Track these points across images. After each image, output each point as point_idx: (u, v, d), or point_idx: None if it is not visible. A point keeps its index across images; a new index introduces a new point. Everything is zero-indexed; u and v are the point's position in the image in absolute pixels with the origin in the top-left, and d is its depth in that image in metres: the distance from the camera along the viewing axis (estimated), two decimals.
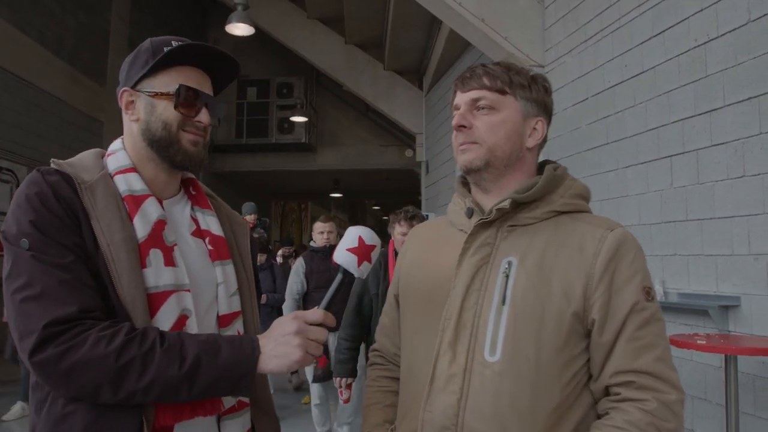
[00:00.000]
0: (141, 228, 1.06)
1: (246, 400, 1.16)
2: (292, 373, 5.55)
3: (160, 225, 1.09)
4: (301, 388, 6.44)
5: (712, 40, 3.29)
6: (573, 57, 4.72)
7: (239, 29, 7.65)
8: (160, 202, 1.14)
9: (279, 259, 8.14)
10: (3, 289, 0.97)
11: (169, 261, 1.08)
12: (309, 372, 4.24)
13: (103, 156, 1.16)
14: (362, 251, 1.08)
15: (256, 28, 8.07)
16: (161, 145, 1.13)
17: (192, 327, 1.07)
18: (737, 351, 2.62)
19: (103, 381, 0.93)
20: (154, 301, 1.04)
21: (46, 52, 8.28)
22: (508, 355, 1.02)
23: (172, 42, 1.14)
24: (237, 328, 1.17)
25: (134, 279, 1.02)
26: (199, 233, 1.19)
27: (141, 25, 10.88)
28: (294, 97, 12.51)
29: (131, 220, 1.06)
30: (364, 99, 10.94)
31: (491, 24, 5.14)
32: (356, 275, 1.09)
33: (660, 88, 3.69)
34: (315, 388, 4.32)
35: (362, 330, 3.31)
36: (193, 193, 1.25)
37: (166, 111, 1.12)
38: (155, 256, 1.06)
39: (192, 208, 1.22)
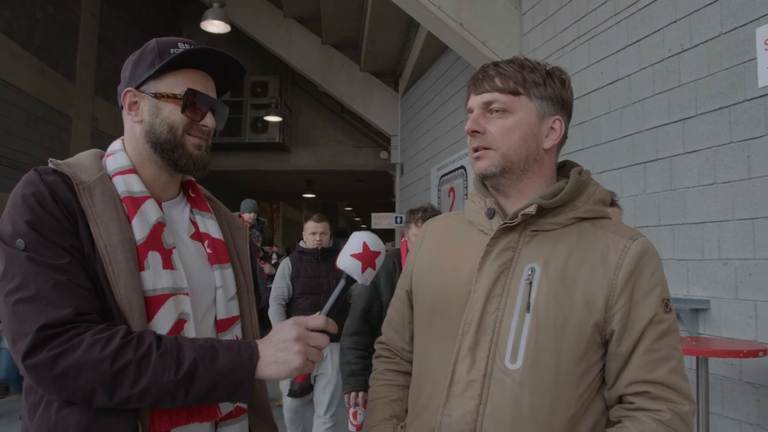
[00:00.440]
0: (139, 230, 1.04)
1: (244, 406, 1.14)
2: None
3: (159, 227, 1.07)
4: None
5: (686, 50, 3.39)
6: (550, 63, 4.80)
7: (215, 26, 7.56)
8: (160, 204, 1.12)
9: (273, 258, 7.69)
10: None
11: (168, 264, 1.06)
12: (285, 385, 3.85)
13: (102, 157, 1.14)
14: (367, 257, 1.06)
15: (232, 25, 7.99)
16: (166, 148, 1.11)
17: (190, 331, 1.05)
18: (709, 353, 2.70)
19: (98, 386, 0.92)
20: (152, 304, 1.02)
21: (14, 45, 8.05)
22: (529, 364, 1.01)
23: (179, 44, 1.12)
24: (235, 333, 1.16)
25: (131, 282, 1.00)
26: (198, 236, 1.17)
27: (112, 20, 10.66)
28: (268, 96, 12.42)
29: (130, 221, 1.04)
30: (340, 100, 10.93)
31: (469, 28, 5.19)
32: (360, 282, 1.06)
33: (635, 96, 3.78)
34: (289, 403, 3.95)
35: (372, 338, 2.93)
36: (193, 195, 1.23)
37: (172, 114, 1.10)
38: (153, 258, 1.04)
39: (191, 211, 1.20)
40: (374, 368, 1.33)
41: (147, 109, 1.11)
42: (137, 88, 1.12)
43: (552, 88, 1.13)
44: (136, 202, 1.07)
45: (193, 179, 1.24)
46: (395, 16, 7.66)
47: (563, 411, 1.01)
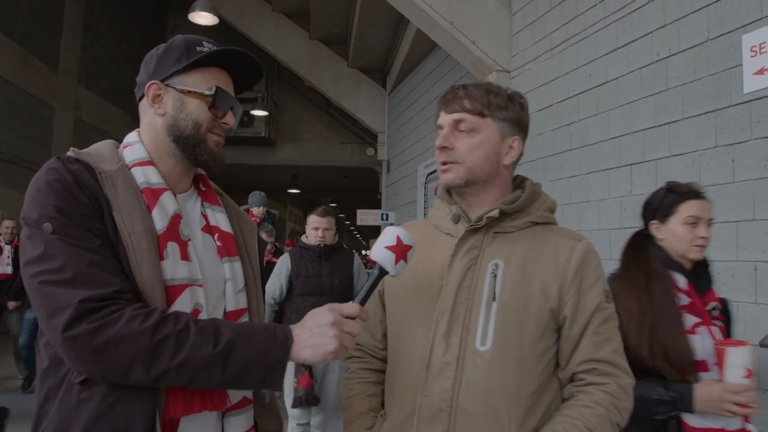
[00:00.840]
0: (159, 220, 1.07)
1: (250, 397, 1.16)
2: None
3: (176, 219, 1.10)
4: None
5: (673, 55, 3.44)
6: (539, 64, 4.84)
7: (202, 18, 7.51)
8: (175, 197, 1.15)
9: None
10: (26, 272, 0.97)
11: (185, 255, 1.08)
12: (288, 396, 3.50)
13: (117, 147, 1.16)
14: (400, 250, 1.11)
15: (219, 17, 7.93)
16: (188, 143, 1.13)
17: None
18: None
19: (137, 358, 0.93)
20: (170, 293, 1.05)
21: None
22: (497, 345, 1.16)
23: (204, 42, 1.15)
24: None
25: (154, 270, 1.02)
26: (209, 229, 1.20)
27: (97, 8, 10.50)
28: (254, 90, 12.32)
29: (150, 212, 1.07)
30: (327, 95, 10.91)
31: (460, 27, 5.21)
32: (392, 273, 1.11)
33: (622, 99, 3.84)
34: (295, 414, 3.53)
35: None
36: (203, 189, 1.25)
37: (198, 110, 1.13)
38: (172, 249, 1.07)
39: (202, 204, 1.23)
40: (347, 368, 1.42)
41: (171, 103, 1.13)
42: (162, 81, 1.13)
43: (513, 111, 1.27)
44: (155, 193, 1.09)
45: (204, 173, 1.26)
46: (384, 13, 7.67)
47: (527, 385, 1.16)
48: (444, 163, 1.25)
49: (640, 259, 1.87)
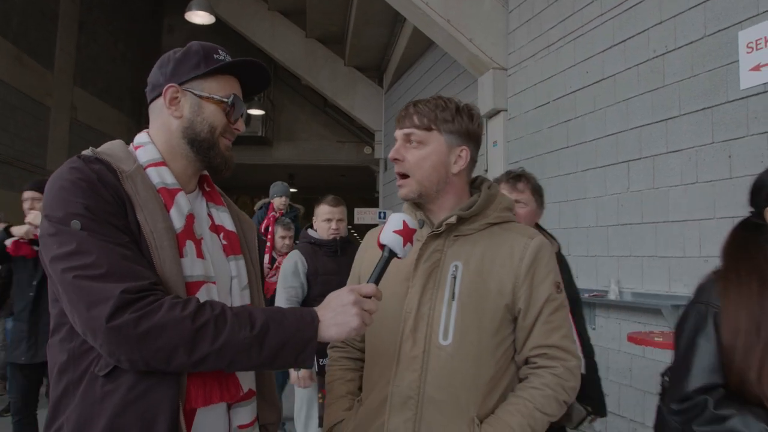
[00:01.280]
0: (177, 220, 1.11)
1: (254, 389, 1.21)
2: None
3: (190, 218, 1.14)
4: None
5: (670, 51, 3.45)
6: (536, 61, 4.84)
7: (199, 17, 7.49)
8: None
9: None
10: (56, 267, 0.99)
11: (200, 253, 1.13)
12: (309, 416, 3.26)
13: (128, 148, 1.19)
14: (407, 233, 1.22)
15: (215, 16, 7.90)
16: (203, 146, 1.18)
17: None
18: None
19: (180, 343, 0.98)
20: (189, 289, 1.09)
21: None
22: (457, 340, 1.30)
23: (219, 50, 1.21)
24: None
25: (176, 267, 1.07)
26: (215, 228, 1.24)
27: (92, 7, 10.46)
28: None
29: (168, 211, 1.11)
30: (323, 94, 10.89)
31: (456, 25, 5.21)
32: (400, 255, 1.21)
33: (619, 96, 3.84)
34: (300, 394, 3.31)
35: None
36: (207, 189, 1.28)
37: (214, 115, 1.18)
38: (190, 247, 1.11)
39: (207, 204, 1.27)
40: (330, 356, 1.56)
41: (189, 107, 1.17)
42: (180, 84, 1.17)
43: (459, 124, 1.38)
44: (171, 193, 1.13)
45: (207, 174, 1.29)
46: (381, 11, 7.66)
47: (485, 373, 1.30)
48: (398, 176, 1.38)
49: (751, 258, 1.45)
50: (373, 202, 12.37)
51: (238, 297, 1.21)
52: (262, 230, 4.99)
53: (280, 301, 3.17)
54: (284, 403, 4.06)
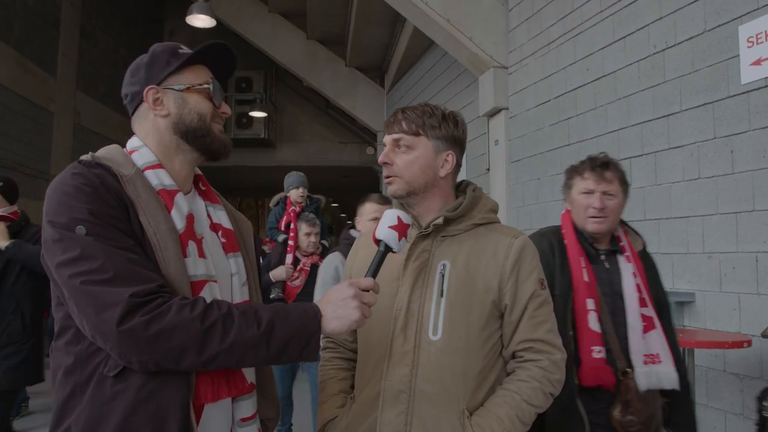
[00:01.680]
0: (178, 220, 1.13)
1: (254, 382, 1.24)
2: None
3: (191, 219, 1.16)
4: None
5: (670, 47, 3.44)
6: (536, 59, 4.84)
7: (200, 21, 7.50)
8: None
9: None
10: (62, 273, 1.00)
11: (201, 253, 1.15)
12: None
13: (125, 151, 1.20)
14: (401, 228, 1.27)
15: (216, 19, 7.92)
16: (197, 135, 1.20)
17: None
18: (695, 344, 2.75)
19: (190, 344, 1.00)
20: (193, 289, 1.11)
21: None
22: (446, 335, 1.35)
23: (182, 46, 1.24)
24: None
25: (180, 267, 1.09)
26: (213, 227, 1.26)
27: (94, 12, 10.49)
28: (253, 91, 12.31)
29: (169, 212, 1.12)
30: (325, 95, 10.88)
31: (456, 24, 5.21)
32: (395, 250, 1.27)
33: (620, 92, 3.83)
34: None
35: None
36: (203, 188, 1.30)
37: (200, 104, 1.20)
38: (192, 247, 1.13)
39: (204, 203, 1.28)
40: (322, 357, 1.60)
41: (173, 103, 1.19)
42: (159, 84, 1.19)
43: (446, 130, 1.44)
44: (170, 195, 1.15)
45: (202, 174, 1.31)
46: (381, 11, 7.66)
47: (474, 367, 1.35)
48: (387, 177, 1.44)
49: None
50: None
51: (239, 293, 1.24)
52: (283, 227, 4.38)
53: None
54: (295, 403, 4.07)
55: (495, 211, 1.51)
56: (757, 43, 2.88)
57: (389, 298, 1.40)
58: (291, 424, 4.01)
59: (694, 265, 3.23)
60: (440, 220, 1.40)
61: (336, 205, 27.36)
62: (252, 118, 12.09)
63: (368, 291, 1.16)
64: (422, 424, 1.32)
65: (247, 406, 1.20)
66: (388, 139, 1.45)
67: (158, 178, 1.15)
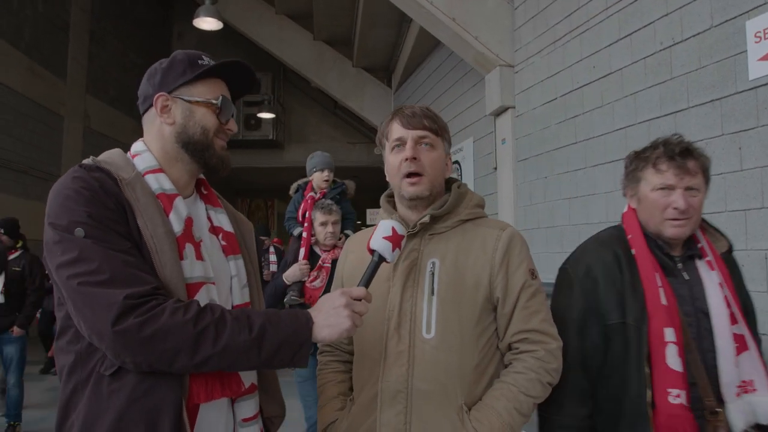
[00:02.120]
0: (176, 224, 1.15)
1: (255, 383, 1.26)
2: None
3: (189, 222, 1.18)
4: None
5: (677, 43, 3.40)
6: (542, 57, 4.81)
7: (207, 23, 7.54)
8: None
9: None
10: (61, 274, 1.02)
11: (199, 255, 1.18)
12: None
13: (127, 155, 1.23)
14: (395, 239, 1.29)
15: (223, 22, 7.95)
16: (197, 148, 1.22)
17: None
18: None
19: (182, 347, 1.02)
20: (189, 291, 1.13)
21: (3, 43, 7.99)
22: (440, 333, 1.36)
23: (203, 56, 1.25)
24: None
25: (176, 270, 1.11)
26: (213, 230, 1.28)
27: (103, 17, 10.58)
28: (261, 93, 12.37)
29: (167, 216, 1.14)
30: (333, 96, 10.91)
31: (462, 23, 5.20)
32: (389, 260, 1.29)
33: (627, 90, 3.80)
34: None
35: (589, 406, 1.59)
36: (205, 192, 1.33)
37: (206, 118, 1.22)
38: (189, 250, 1.15)
39: (205, 207, 1.31)
40: (319, 361, 1.61)
41: (180, 112, 1.22)
42: (169, 93, 1.21)
43: (449, 135, 1.51)
44: (169, 199, 1.17)
45: (204, 178, 1.34)
46: (387, 11, 7.66)
47: (470, 362, 1.36)
48: (411, 175, 1.41)
49: None
50: None
51: (239, 295, 1.26)
52: (300, 217, 3.65)
53: None
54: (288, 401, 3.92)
55: (481, 206, 1.52)
56: (765, 39, 2.85)
57: (381, 299, 1.40)
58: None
59: None
60: (426, 219, 1.41)
61: None
62: (260, 119, 12.16)
63: (360, 300, 1.18)
64: (421, 422, 1.33)
65: (249, 407, 1.23)
66: (412, 134, 1.42)
67: (158, 182, 1.18)
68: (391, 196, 1.57)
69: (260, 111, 11.91)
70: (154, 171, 1.19)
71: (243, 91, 1.33)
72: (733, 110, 3.03)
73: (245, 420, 1.22)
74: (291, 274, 3.40)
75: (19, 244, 5.21)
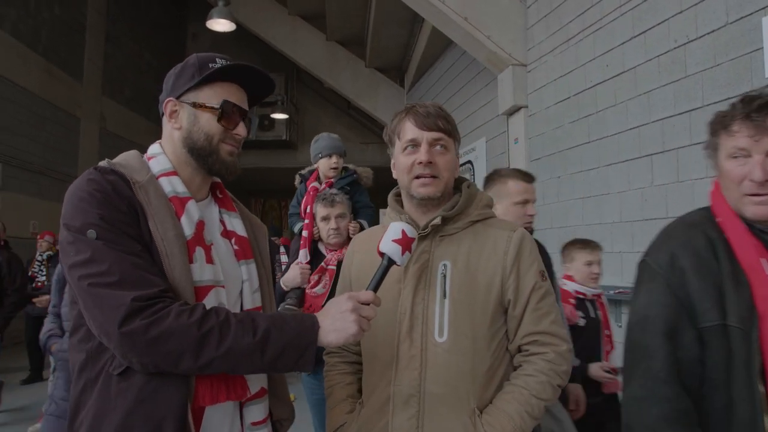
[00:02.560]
0: (187, 227, 1.17)
1: (266, 387, 1.26)
2: None
3: (200, 225, 1.19)
4: None
5: (692, 41, 3.36)
6: (555, 56, 4.78)
7: (220, 25, 7.59)
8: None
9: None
10: (73, 274, 1.05)
11: (209, 259, 1.18)
12: None
13: (143, 158, 1.25)
14: (405, 242, 1.26)
15: (237, 23, 8.00)
16: (201, 154, 1.23)
17: None
18: None
19: (186, 349, 1.03)
20: (198, 294, 1.14)
21: (21, 46, 8.10)
22: (452, 336, 1.34)
23: (217, 59, 1.24)
24: None
25: (185, 273, 1.12)
26: (226, 234, 1.29)
27: (119, 18, 10.70)
28: (274, 94, 12.40)
29: (179, 219, 1.16)
30: (346, 96, 10.92)
31: (474, 23, 5.18)
32: (399, 263, 1.26)
33: (641, 88, 3.76)
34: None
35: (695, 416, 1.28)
36: (220, 196, 1.34)
37: (209, 123, 1.22)
38: (200, 253, 1.16)
39: (219, 211, 1.32)
40: (327, 363, 1.59)
41: (186, 118, 1.23)
42: (178, 98, 1.23)
43: (459, 136, 1.48)
44: (182, 202, 1.19)
45: (220, 181, 1.34)
46: (400, 11, 7.65)
47: (481, 365, 1.34)
48: (424, 177, 1.39)
49: None
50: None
51: (250, 300, 1.26)
52: (302, 212, 3.04)
53: None
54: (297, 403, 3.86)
55: (490, 206, 1.50)
56: None
57: (392, 302, 1.38)
58: None
59: None
60: (437, 220, 1.39)
61: None
62: (273, 120, 12.21)
63: (368, 304, 1.17)
64: (434, 426, 1.32)
65: (258, 410, 1.24)
66: (426, 136, 1.39)
67: (171, 185, 1.19)
68: (399, 194, 1.54)
69: (273, 111, 11.97)
70: (168, 174, 1.21)
71: (262, 94, 1.33)
72: None
73: (254, 423, 1.23)
74: (290, 279, 2.83)
75: None
